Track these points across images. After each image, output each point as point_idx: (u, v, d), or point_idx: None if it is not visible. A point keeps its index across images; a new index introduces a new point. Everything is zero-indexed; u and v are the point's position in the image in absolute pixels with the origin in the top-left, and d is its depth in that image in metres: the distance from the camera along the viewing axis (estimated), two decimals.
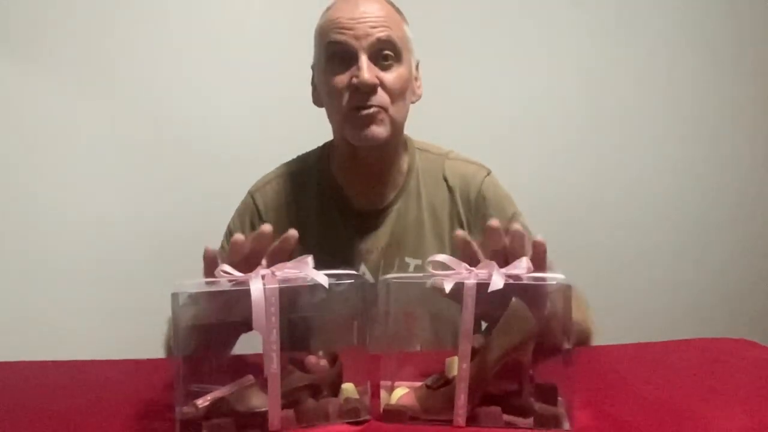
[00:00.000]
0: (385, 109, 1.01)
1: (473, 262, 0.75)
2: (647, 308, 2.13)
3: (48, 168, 1.87)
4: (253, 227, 1.13)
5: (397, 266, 1.10)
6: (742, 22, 2.13)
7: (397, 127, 1.06)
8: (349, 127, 1.03)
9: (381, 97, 1.00)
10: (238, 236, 0.77)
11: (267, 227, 0.77)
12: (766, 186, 2.20)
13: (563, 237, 1.98)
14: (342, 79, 1.00)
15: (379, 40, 0.99)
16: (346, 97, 1.00)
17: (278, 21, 1.92)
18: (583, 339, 1.00)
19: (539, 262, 0.75)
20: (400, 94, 1.02)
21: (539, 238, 0.76)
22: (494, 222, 0.77)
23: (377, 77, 0.99)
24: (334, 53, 1.00)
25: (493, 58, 2.05)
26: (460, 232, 0.80)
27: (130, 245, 1.91)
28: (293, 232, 0.79)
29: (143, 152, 1.91)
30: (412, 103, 1.08)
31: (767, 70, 2.16)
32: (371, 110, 1.00)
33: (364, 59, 0.98)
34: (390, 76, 1.01)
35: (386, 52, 1.00)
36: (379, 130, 1.01)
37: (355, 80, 0.98)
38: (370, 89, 0.99)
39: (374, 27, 0.99)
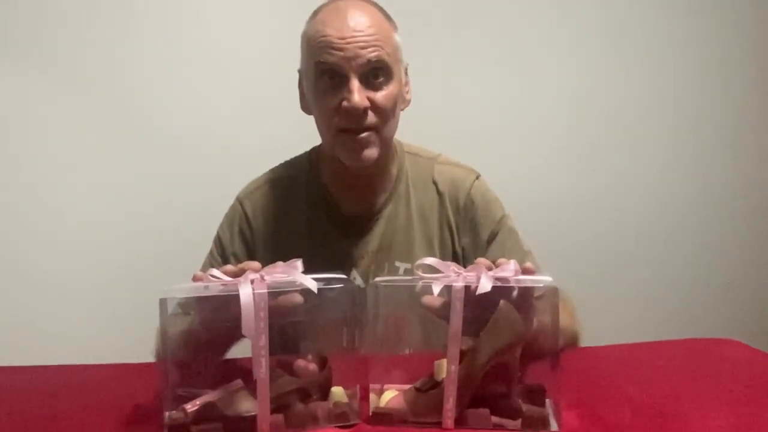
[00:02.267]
0: (376, 129, 1.00)
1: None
2: (635, 309, 2.13)
3: (39, 171, 1.86)
4: (242, 233, 1.13)
5: (387, 270, 1.10)
6: (730, 23, 2.15)
7: (387, 144, 1.06)
8: (341, 148, 1.02)
9: (372, 118, 0.99)
10: (229, 267, 0.78)
11: (255, 265, 0.77)
12: (755, 186, 2.22)
13: (552, 238, 1.99)
14: (332, 101, 0.98)
15: (369, 61, 0.97)
16: (336, 118, 0.99)
17: (272, 24, 1.91)
18: (569, 342, 1.00)
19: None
20: (391, 112, 1.01)
21: (528, 265, 0.77)
22: (481, 260, 0.77)
23: (368, 98, 0.98)
24: (323, 72, 0.99)
25: (483, 59, 2.05)
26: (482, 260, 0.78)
27: (118, 249, 1.89)
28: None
29: (136, 156, 1.90)
30: (402, 110, 1.07)
31: (757, 71, 2.18)
32: (363, 135, 0.99)
33: (354, 82, 0.96)
34: (380, 96, 0.99)
35: (377, 71, 0.99)
36: (371, 153, 1.01)
37: (345, 104, 0.97)
38: (361, 112, 0.98)
39: (364, 48, 0.96)
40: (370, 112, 0.99)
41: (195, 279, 0.77)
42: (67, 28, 1.83)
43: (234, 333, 0.72)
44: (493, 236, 1.10)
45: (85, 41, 1.84)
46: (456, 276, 0.75)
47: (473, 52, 2.04)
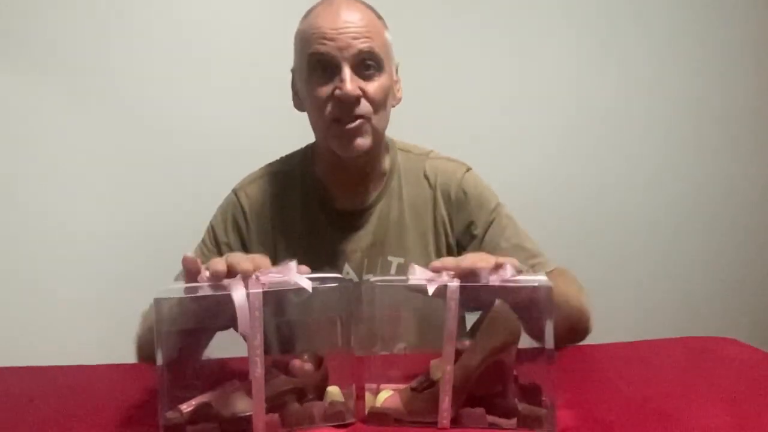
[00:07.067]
0: (368, 119, 1.01)
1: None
2: (633, 308, 2.14)
3: (37, 173, 1.86)
4: (236, 223, 1.13)
5: (380, 265, 1.11)
6: (730, 21, 2.14)
7: (379, 135, 1.07)
8: (333, 138, 1.03)
9: (364, 107, 1.00)
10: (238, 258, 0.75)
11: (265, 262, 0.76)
12: (754, 185, 2.22)
13: (550, 236, 1.99)
14: (325, 90, 1.00)
15: (361, 51, 0.99)
16: (329, 107, 1.00)
17: (266, 24, 1.91)
18: (577, 318, 1.00)
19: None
20: (382, 103, 1.03)
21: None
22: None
23: (360, 88, 0.99)
24: (317, 63, 1.00)
25: (480, 57, 2.05)
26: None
27: (113, 250, 1.89)
28: None
29: (134, 156, 1.90)
30: (393, 107, 1.09)
31: (757, 68, 2.18)
32: (355, 123, 1.00)
33: (347, 71, 0.98)
34: (372, 86, 1.01)
35: (368, 62, 1.00)
36: (363, 142, 1.02)
37: (338, 92, 0.98)
38: (354, 101, 0.99)
39: (356, 38, 0.98)
40: (362, 101, 1.00)
41: (186, 261, 0.74)
42: (61, 29, 1.83)
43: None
44: (489, 225, 1.11)
45: (77, 41, 1.84)
46: (450, 276, 0.74)
47: (471, 48, 2.04)
